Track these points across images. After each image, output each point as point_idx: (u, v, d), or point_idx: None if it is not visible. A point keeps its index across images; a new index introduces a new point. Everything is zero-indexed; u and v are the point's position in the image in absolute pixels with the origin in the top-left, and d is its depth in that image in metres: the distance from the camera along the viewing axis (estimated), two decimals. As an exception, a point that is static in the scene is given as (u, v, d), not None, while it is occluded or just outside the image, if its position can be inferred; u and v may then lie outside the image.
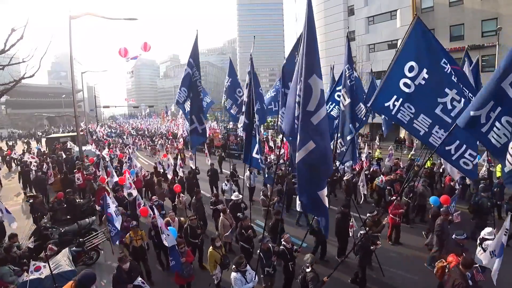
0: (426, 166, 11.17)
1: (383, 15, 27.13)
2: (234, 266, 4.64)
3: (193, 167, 11.64)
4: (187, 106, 7.50)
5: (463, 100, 4.17)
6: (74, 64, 20.74)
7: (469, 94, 6.15)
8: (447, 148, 4.22)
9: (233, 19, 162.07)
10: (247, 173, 10.65)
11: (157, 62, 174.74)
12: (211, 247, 5.49)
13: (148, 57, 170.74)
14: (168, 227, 5.84)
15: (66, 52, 15.55)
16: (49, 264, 4.92)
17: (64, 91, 64.91)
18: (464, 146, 4.14)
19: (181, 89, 7.40)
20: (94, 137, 31.21)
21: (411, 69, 4.39)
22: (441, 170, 11.42)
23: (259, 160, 7.58)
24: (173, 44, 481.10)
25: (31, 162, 14.54)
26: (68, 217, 9.09)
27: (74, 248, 6.72)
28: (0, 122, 59.78)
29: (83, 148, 16.83)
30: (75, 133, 17.33)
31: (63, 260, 5.52)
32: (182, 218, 7.54)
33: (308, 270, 4.71)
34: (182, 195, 8.95)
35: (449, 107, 4.21)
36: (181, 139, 21.38)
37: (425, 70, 4.28)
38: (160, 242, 6.16)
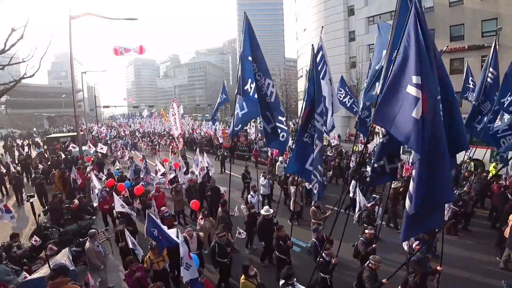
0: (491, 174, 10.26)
1: (383, 15, 27.13)
2: (282, 279, 4.29)
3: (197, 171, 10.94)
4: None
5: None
6: (74, 64, 20.75)
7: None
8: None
9: (233, 19, 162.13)
10: (262, 178, 9.93)
11: (157, 62, 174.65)
12: (243, 277, 4.78)
13: (148, 57, 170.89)
14: (191, 254, 5.11)
15: (66, 52, 15.55)
16: (49, 264, 4.92)
17: (64, 91, 64.88)
18: None
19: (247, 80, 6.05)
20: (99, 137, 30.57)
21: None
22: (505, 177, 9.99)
23: (313, 174, 5.69)
24: (173, 44, 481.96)
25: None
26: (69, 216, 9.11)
27: (74, 248, 6.71)
28: (0, 122, 59.76)
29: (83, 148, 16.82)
30: (75, 133, 17.31)
31: (63, 260, 5.50)
32: (201, 233, 6.82)
33: (367, 268, 4.55)
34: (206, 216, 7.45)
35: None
36: (181, 139, 20.91)
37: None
38: (175, 262, 5.68)
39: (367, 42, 28.27)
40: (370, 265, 4.64)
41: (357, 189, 7.45)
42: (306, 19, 36.82)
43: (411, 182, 3.34)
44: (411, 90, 3.15)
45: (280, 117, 6.33)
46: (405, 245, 5.72)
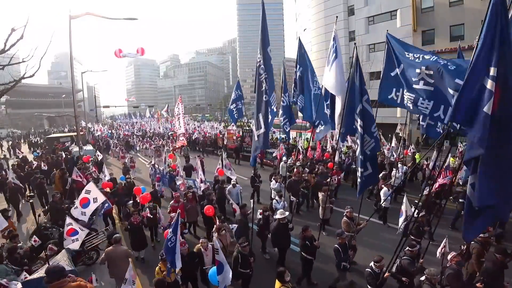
0: None
1: (383, 15, 27.12)
2: None
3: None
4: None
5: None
6: (74, 64, 20.74)
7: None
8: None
9: (233, 19, 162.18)
10: (273, 182, 9.56)
11: (157, 62, 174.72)
12: (278, 283, 4.51)
13: (148, 57, 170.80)
14: (209, 267, 4.96)
15: (66, 52, 15.57)
16: (49, 264, 4.92)
17: (64, 91, 64.87)
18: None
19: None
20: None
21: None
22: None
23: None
24: (173, 44, 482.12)
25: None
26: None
27: (74, 248, 6.70)
28: (0, 122, 59.77)
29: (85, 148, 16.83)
30: (75, 133, 17.31)
31: (63, 260, 5.50)
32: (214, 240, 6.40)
33: (426, 282, 4.15)
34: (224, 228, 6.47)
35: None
36: (183, 138, 20.34)
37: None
38: (188, 273, 5.48)
39: (367, 42, 28.24)
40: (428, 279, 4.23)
41: (405, 198, 6.69)
42: (306, 19, 36.82)
43: (475, 177, 3.27)
44: (488, 83, 3.01)
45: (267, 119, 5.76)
46: (438, 253, 5.23)
